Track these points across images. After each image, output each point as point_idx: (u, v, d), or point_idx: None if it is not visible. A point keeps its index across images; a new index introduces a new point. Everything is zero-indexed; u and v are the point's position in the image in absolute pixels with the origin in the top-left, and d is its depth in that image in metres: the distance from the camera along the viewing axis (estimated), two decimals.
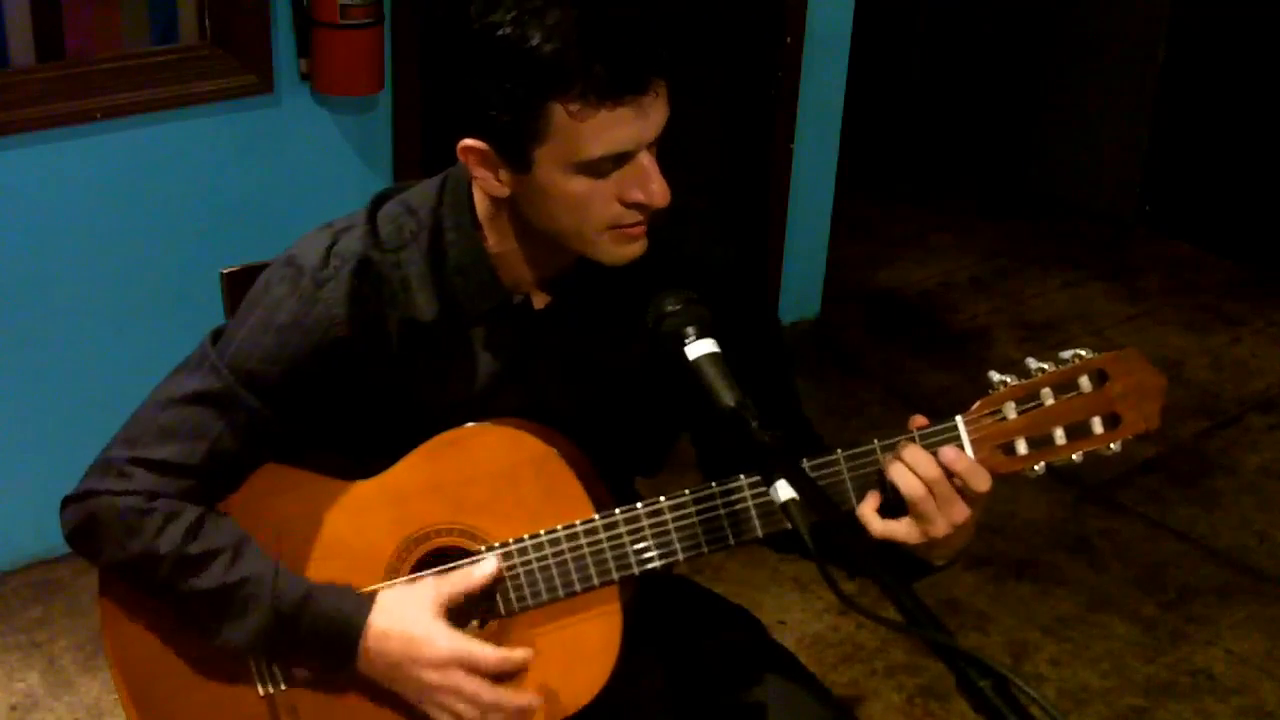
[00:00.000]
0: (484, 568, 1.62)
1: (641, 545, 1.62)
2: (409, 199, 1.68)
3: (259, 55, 3.13)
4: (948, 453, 1.55)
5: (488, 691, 1.61)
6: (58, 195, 3.02)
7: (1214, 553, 3.50)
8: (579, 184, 1.52)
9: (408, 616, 1.61)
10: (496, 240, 1.64)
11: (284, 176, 3.25)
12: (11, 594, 3.16)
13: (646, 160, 1.52)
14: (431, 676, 1.60)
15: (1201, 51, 5.00)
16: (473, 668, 1.61)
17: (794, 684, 1.83)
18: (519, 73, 1.46)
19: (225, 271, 1.90)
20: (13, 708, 2.87)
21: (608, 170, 1.51)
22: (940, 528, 1.56)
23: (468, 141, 1.55)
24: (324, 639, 1.62)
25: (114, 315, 3.15)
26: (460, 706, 1.61)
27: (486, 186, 1.58)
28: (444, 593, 1.62)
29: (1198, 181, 5.10)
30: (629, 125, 1.49)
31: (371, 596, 1.63)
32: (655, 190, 1.52)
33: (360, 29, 3.11)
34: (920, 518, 1.55)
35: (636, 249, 1.58)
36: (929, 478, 1.54)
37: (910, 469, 1.55)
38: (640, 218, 1.55)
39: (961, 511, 1.56)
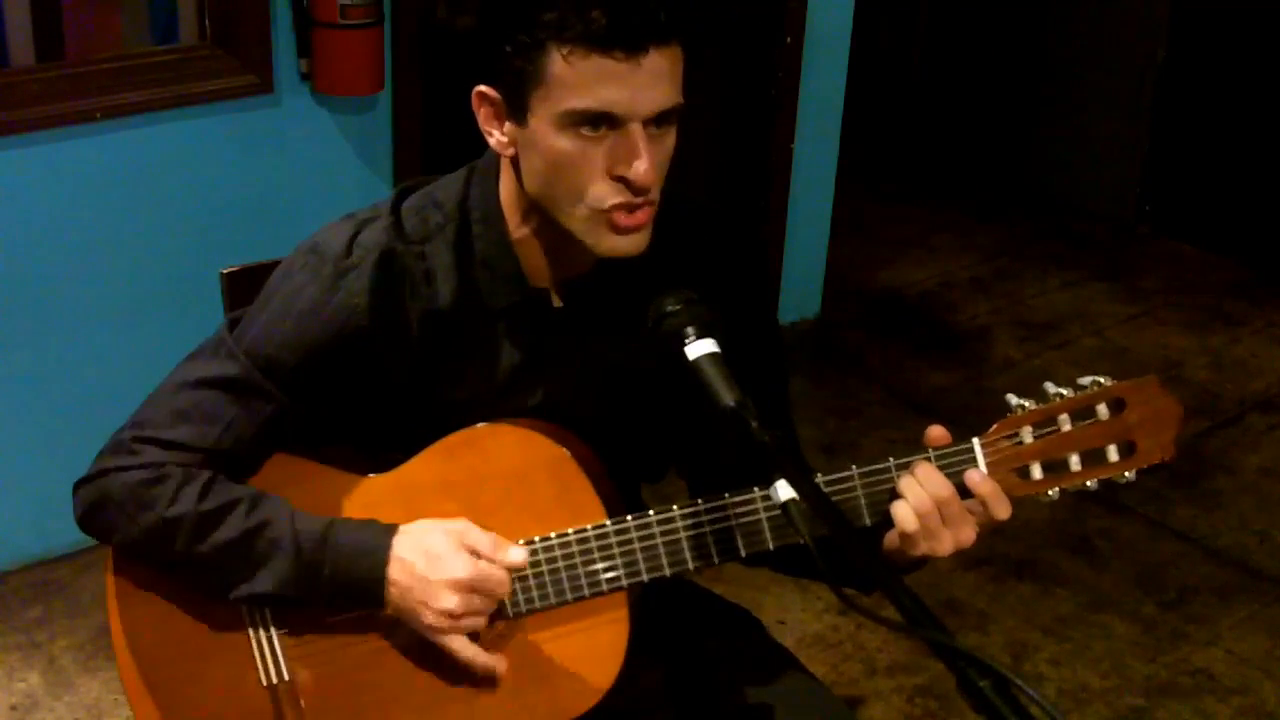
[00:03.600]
0: (513, 555, 1.59)
1: (652, 553, 1.62)
2: (434, 192, 1.68)
3: (259, 55, 3.13)
4: (973, 475, 1.56)
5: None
6: (58, 195, 3.02)
7: (1214, 553, 3.50)
8: (567, 142, 1.51)
9: (432, 542, 1.59)
10: (520, 232, 1.64)
11: (284, 176, 3.25)
12: (11, 594, 3.16)
13: (639, 135, 1.51)
14: (450, 600, 1.57)
15: (1201, 51, 5.00)
16: (489, 591, 1.59)
17: (794, 683, 1.83)
18: (524, 13, 1.49)
19: (225, 271, 1.90)
20: (13, 708, 2.87)
21: (596, 134, 1.50)
22: (945, 546, 1.56)
23: (481, 87, 1.57)
24: (350, 570, 1.60)
25: (114, 315, 3.15)
26: (478, 622, 1.60)
27: (493, 141, 1.59)
28: (471, 539, 1.59)
29: (1198, 181, 5.10)
30: (620, 84, 1.48)
31: (394, 526, 1.61)
32: (640, 168, 1.51)
33: (360, 29, 3.11)
34: (926, 534, 1.56)
35: (629, 243, 1.56)
36: (939, 496, 1.55)
37: (920, 485, 1.55)
38: (628, 200, 1.53)
39: (969, 534, 1.57)
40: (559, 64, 1.48)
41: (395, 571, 1.59)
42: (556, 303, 1.67)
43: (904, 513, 1.56)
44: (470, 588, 1.57)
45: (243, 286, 1.77)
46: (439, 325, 1.64)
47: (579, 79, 1.48)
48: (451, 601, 1.57)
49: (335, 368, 1.63)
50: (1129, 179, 5.23)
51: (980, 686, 1.23)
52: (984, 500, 1.56)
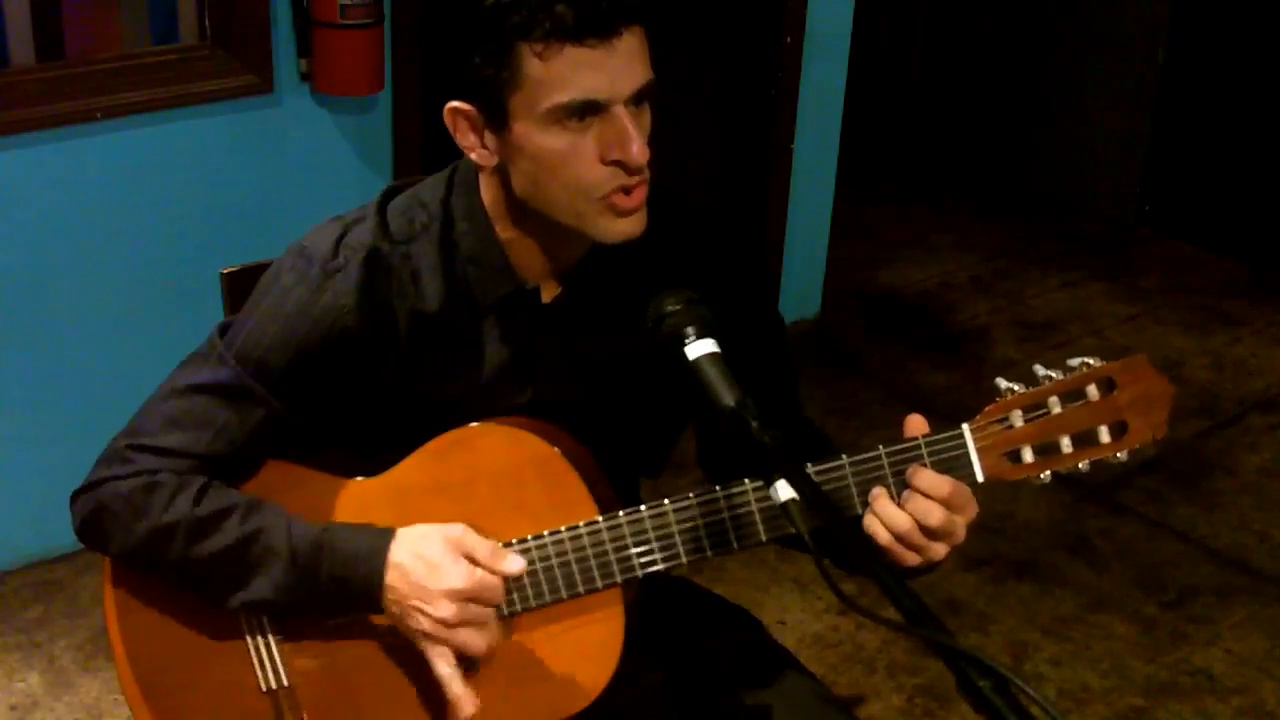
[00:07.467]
0: (512, 564, 1.58)
1: (644, 547, 1.61)
2: (419, 192, 1.68)
3: (259, 55, 3.13)
4: (923, 481, 1.55)
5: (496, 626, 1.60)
6: (58, 195, 3.02)
7: (1214, 553, 3.50)
8: (555, 138, 1.51)
9: (430, 549, 1.58)
10: (505, 229, 1.64)
11: (284, 176, 3.25)
12: (11, 594, 3.16)
13: (624, 116, 1.52)
14: (447, 609, 1.56)
15: (1201, 51, 5.00)
16: (486, 600, 1.58)
17: (794, 684, 1.83)
18: (488, 17, 1.48)
19: (225, 271, 1.91)
20: (13, 708, 2.87)
21: (582, 124, 1.51)
22: (939, 553, 1.57)
23: (453, 104, 1.56)
24: (347, 575, 1.59)
25: (114, 315, 3.15)
26: (474, 639, 1.59)
27: (475, 155, 1.59)
28: (469, 546, 1.58)
29: (1198, 181, 5.10)
30: (598, 71, 1.49)
31: (391, 530, 1.61)
32: (634, 149, 1.52)
33: (360, 29, 3.11)
34: (918, 550, 1.56)
35: (631, 225, 1.57)
36: (899, 531, 1.55)
37: (883, 523, 1.55)
38: (626, 182, 1.54)
39: (941, 549, 1.57)
40: (534, 63, 1.49)
41: (392, 578, 1.58)
42: (546, 297, 1.67)
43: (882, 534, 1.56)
44: (467, 596, 1.57)
45: (243, 286, 1.77)
46: (427, 324, 1.64)
47: (557, 74, 1.48)
48: (448, 610, 1.56)
49: (325, 369, 1.63)
50: (1129, 179, 5.23)
51: (980, 686, 1.23)
52: (945, 502, 1.55)
